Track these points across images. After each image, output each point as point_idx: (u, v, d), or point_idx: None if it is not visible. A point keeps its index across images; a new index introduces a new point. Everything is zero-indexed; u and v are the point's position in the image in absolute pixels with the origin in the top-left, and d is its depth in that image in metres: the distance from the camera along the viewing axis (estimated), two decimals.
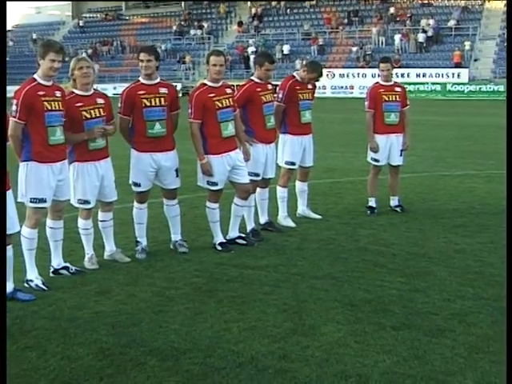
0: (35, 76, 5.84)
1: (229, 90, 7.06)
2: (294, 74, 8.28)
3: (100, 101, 6.39)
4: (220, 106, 6.86)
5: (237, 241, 7.34)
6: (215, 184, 7.01)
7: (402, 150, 8.88)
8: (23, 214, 5.97)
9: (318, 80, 8.26)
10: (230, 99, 7.00)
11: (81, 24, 61.53)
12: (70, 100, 6.19)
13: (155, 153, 6.74)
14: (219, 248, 7.08)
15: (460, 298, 5.46)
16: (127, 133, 6.81)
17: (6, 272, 5.09)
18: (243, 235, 7.43)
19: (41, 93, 5.75)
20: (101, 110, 6.37)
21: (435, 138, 18.18)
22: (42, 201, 5.89)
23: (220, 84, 6.97)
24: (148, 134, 6.69)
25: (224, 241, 7.17)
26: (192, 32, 53.79)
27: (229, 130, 6.96)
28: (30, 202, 5.87)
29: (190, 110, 6.82)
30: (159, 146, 6.74)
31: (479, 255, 6.77)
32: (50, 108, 5.80)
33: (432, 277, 6.06)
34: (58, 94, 5.91)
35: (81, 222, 6.59)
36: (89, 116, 6.26)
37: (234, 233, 7.39)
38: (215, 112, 6.84)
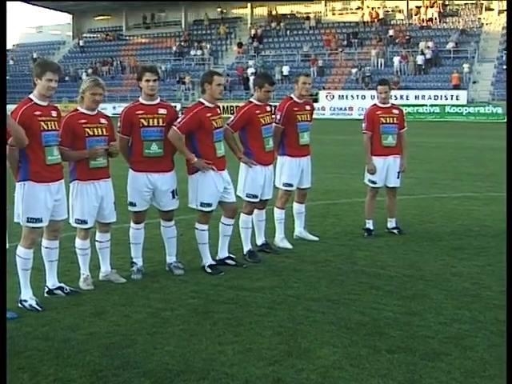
0: (31, 96, 5.86)
1: (219, 110, 7.16)
2: (292, 95, 8.33)
3: (103, 121, 6.47)
4: (216, 125, 6.96)
5: (226, 261, 7.35)
6: (209, 205, 7.03)
7: (399, 172, 8.89)
8: (19, 234, 5.96)
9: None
10: (222, 120, 7.12)
11: (81, 44, 61.90)
12: (74, 116, 6.29)
13: (151, 173, 6.77)
14: (208, 270, 7.08)
15: (456, 322, 5.43)
16: (126, 152, 6.85)
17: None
18: (232, 255, 7.44)
19: (37, 113, 5.76)
20: (103, 129, 6.43)
21: (433, 160, 18.22)
22: (39, 221, 5.88)
23: (214, 105, 7.06)
24: (144, 154, 6.73)
25: (213, 262, 7.18)
26: (192, 53, 54.20)
27: (222, 149, 7.05)
28: (27, 221, 5.85)
29: (180, 119, 6.81)
30: (155, 166, 6.76)
31: (476, 278, 6.75)
32: (46, 128, 5.82)
33: (428, 300, 6.04)
34: (53, 113, 5.93)
35: (78, 242, 6.60)
36: (91, 133, 6.31)
37: (223, 253, 7.40)
38: (212, 132, 6.91)
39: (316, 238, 8.59)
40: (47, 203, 5.90)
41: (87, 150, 6.30)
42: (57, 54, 61.81)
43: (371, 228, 8.87)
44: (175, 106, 7.46)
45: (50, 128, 5.85)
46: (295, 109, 8.14)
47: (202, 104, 6.99)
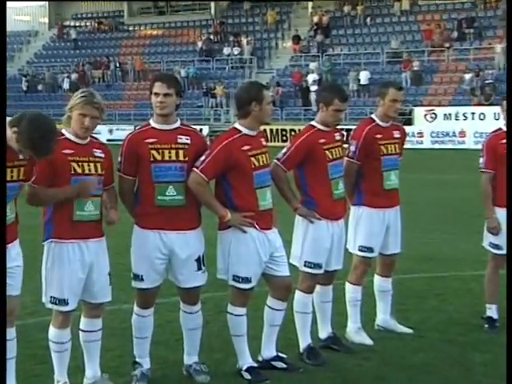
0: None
1: (264, 142, 7.28)
2: (373, 115, 8.45)
3: (98, 153, 6.59)
4: (257, 164, 7.03)
5: (273, 363, 7.38)
6: (247, 280, 7.06)
7: None
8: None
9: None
10: (267, 155, 7.20)
11: (62, 36, 62.96)
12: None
13: (166, 231, 6.85)
14: (247, 376, 7.11)
15: None
16: (130, 199, 6.99)
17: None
18: (282, 355, 7.46)
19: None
20: (98, 165, 6.56)
21: None
22: None
23: (256, 132, 7.20)
24: (156, 202, 6.83)
25: (254, 365, 7.21)
26: (225, 51, 54.69)
27: (267, 200, 7.12)
28: None
29: (203, 157, 6.87)
30: (173, 221, 6.84)
31: None
32: (9, 178, 5.89)
33: None
34: (21, 155, 5.94)
35: (53, 332, 6.63)
36: (79, 170, 6.43)
37: (269, 351, 7.43)
38: (250, 173, 6.99)
39: (409, 331, 8.56)
40: None
41: (75, 185, 6.38)
42: (25, 51, 63.28)
43: (495, 317, 8.78)
44: (201, 130, 7.57)
45: (8, 178, 5.90)
46: (378, 136, 8.22)
47: (238, 131, 7.09)
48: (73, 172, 6.43)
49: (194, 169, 6.83)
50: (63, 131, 6.50)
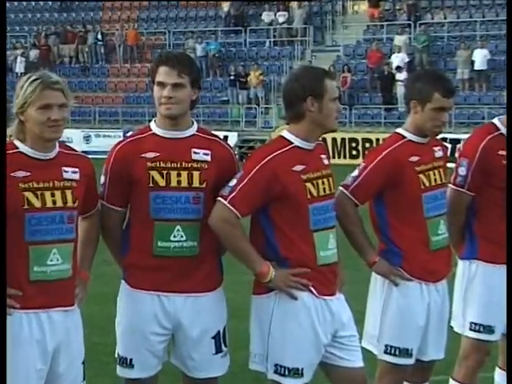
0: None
1: (325, 159, 7.20)
2: (495, 120, 8.35)
3: (69, 174, 6.48)
4: (315, 193, 6.97)
5: None
6: (297, 373, 7.00)
7: None
8: None
9: None
10: (331, 179, 7.12)
11: None
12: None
13: (169, 294, 6.89)
14: None
15: None
16: (116, 240, 7.05)
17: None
18: None
19: None
20: (67, 193, 6.45)
21: None
22: None
23: (315, 144, 7.12)
24: (156, 251, 6.87)
25: None
26: (265, 17, 54.93)
27: (330, 249, 7.06)
28: None
29: (235, 183, 6.79)
30: (180, 278, 6.88)
31: None
32: None
33: None
34: None
35: None
36: (38, 204, 6.34)
37: None
38: (305, 208, 6.92)
39: None
40: None
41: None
42: None
43: None
44: (226, 138, 7.44)
45: None
46: (503, 152, 8.10)
47: (286, 143, 7.04)
48: (26, 206, 6.30)
49: (221, 199, 6.78)
50: (16, 143, 6.41)
